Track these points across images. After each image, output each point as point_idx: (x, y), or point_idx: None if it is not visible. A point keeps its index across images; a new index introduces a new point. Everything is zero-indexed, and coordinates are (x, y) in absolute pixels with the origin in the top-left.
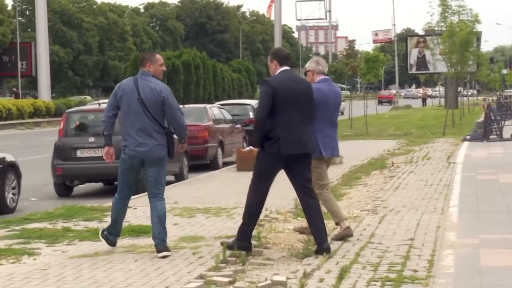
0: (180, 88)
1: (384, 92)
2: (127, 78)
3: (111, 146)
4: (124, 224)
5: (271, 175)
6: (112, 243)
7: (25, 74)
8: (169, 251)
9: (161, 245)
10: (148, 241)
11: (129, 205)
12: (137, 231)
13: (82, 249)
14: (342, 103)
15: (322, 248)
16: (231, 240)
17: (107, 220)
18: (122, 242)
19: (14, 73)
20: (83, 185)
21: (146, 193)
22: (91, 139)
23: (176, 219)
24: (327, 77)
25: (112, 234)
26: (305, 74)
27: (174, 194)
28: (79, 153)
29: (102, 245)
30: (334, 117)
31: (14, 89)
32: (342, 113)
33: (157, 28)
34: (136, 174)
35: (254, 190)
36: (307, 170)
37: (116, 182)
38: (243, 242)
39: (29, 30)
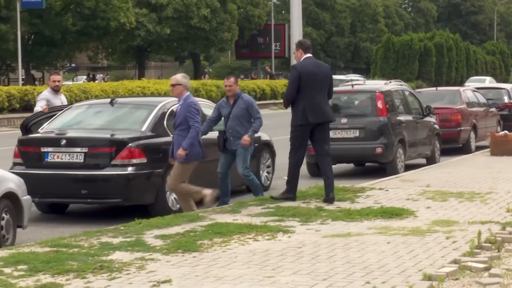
0: (431, 70)
1: None
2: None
3: None
4: (376, 206)
5: (303, 141)
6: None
7: (278, 55)
8: None
9: None
10: (401, 223)
11: (380, 187)
12: (389, 213)
13: (335, 228)
14: None
15: (328, 198)
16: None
17: (359, 201)
18: (374, 223)
19: (268, 54)
20: (334, 165)
21: (396, 175)
22: (344, 120)
23: (428, 202)
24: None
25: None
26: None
27: (426, 177)
28: (331, 134)
29: (355, 225)
30: None
31: (268, 69)
32: None
33: (409, 9)
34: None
35: (292, 156)
36: (326, 134)
37: (366, 163)
38: (291, 194)
39: (283, 12)
